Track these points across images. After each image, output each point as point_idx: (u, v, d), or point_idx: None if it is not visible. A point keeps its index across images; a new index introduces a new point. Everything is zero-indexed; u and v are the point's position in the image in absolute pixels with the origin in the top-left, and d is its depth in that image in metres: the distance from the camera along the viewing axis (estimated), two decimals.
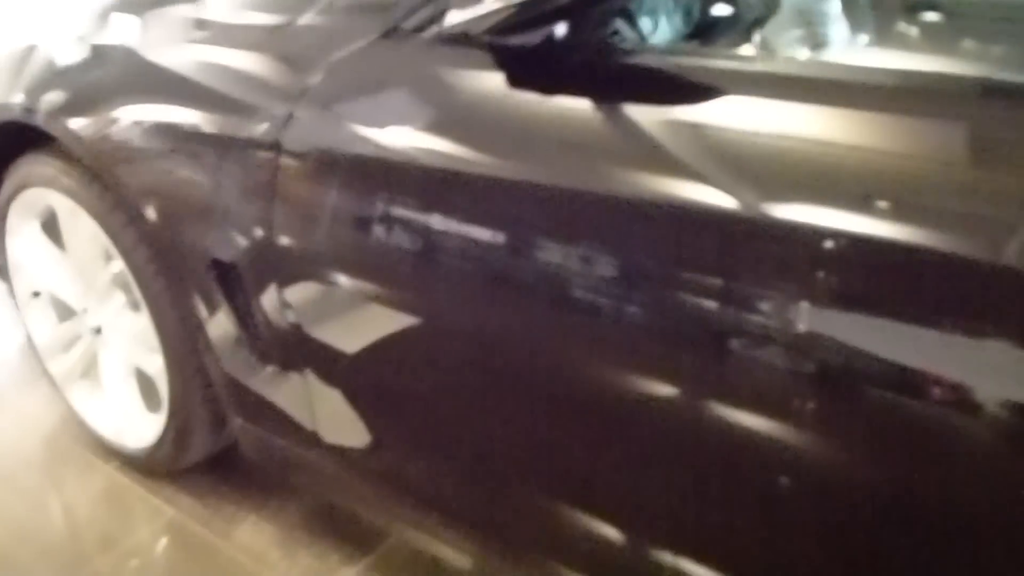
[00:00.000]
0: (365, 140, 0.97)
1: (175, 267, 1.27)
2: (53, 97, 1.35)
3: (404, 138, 0.95)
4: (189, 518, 1.56)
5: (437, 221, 0.93)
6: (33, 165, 1.48)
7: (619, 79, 0.89)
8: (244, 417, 1.35)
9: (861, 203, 0.67)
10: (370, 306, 1.04)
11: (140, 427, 1.57)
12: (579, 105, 0.86)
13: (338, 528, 1.52)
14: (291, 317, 1.13)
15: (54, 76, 1.39)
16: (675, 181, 0.77)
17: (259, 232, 1.09)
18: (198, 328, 1.31)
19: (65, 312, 1.68)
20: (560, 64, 0.92)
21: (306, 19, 1.10)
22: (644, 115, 0.83)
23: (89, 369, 1.69)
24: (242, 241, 1.13)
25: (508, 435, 0.99)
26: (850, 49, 1.15)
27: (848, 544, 0.74)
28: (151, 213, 1.25)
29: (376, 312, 1.04)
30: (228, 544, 1.51)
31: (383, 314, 1.03)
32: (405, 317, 1.01)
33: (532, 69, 0.90)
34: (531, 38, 0.88)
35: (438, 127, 0.93)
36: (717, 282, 0.74)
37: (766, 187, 0.72)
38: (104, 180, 1.34)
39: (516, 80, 0.88)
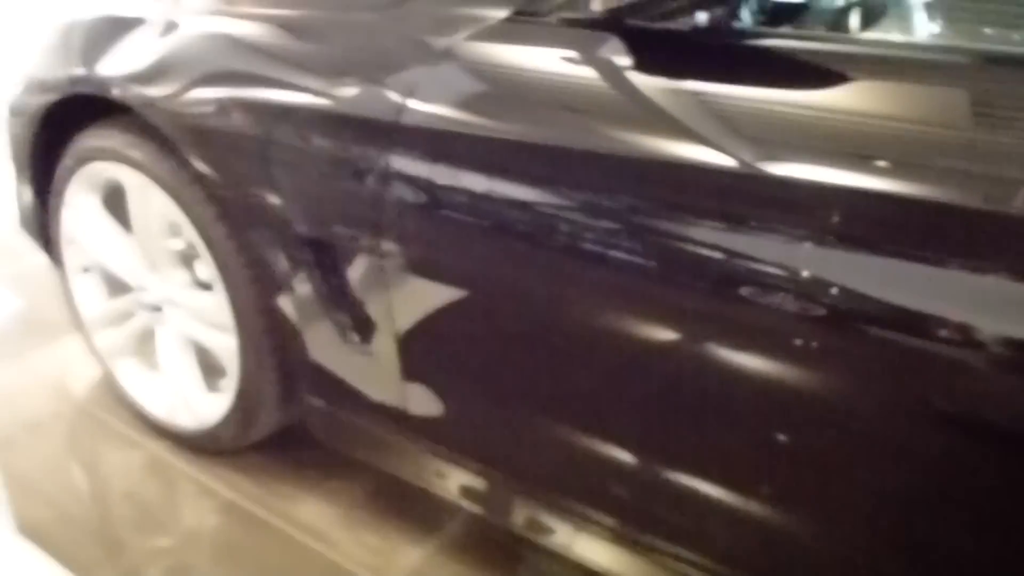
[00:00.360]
0: (488, 122, 0.99)
1: (259, 244, 1.27)
2: (131, 68, 1.34)
3: (529, 119, 0.97)
4: (246, 498, 1.56)
5: (560, 203, 0.94)
6: (99, 138, 1.45)
7: (751, 61, 0.91)
8: (320, 395, 1.35)
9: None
10: (479, 285, 1.06)
11: (199, 407, 1.56)
12: (716, 88, 0.89)
13: (403, 508, 1.53)
14: (395, 296, 1.13)
15: (132, 47, 1.37)
16: (824, 167, 0.80)
17: (368, 212, 1.10)
18: (277, 306, 1.31)
19: (118, 288, 1.66)
20: (692, 46, 0.94)
21: (416, 5, 1.10)
22: (782, 98, 0.85)
23: (141, 347, 1.67)
24: (347, 220, 1.13)
25: (610, 411, 1.01)
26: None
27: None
28: (238, 189, 1.24)
29: (483, 291, 1.05)
30: (288, 524, 1.50)
31: (491, 293, 1.05)
32: (513, 298, 1.03)
33: (667, 52, 0.92)
34: (681, 24, 0.90)
35: (565, 108, 0.95)
36: (864, 263, 0.77)
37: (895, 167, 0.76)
38: (182, 153, 1.33)
39: (654, 62, 0.90)
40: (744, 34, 0.95)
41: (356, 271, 1.17)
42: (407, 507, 1.54)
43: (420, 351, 1.17)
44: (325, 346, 1.28)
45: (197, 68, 1.27)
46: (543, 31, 1.00)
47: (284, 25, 1.21)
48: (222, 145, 1.24)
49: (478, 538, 1.47)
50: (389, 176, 1.06)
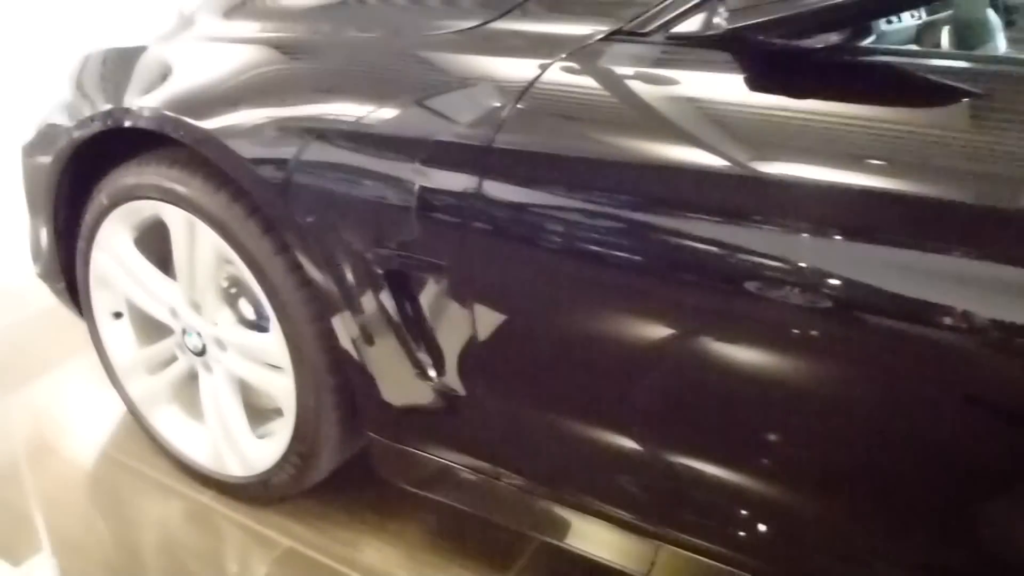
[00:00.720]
0: (592, 141, 0.94)
1: (326, 278, 1.21)
2: (181, 100, 1.28)
3: (632, 138, 0.93)
4: (306, 545, 1.48)
5: (665, 224, 0.90)
6: (140, 175, 1.38)
7: (873, 79, 0.88)
8: (390, 433, 1.28)
9: None
10: (575, 314, 1.01)
11: (248, 452, 1.49)
12: (834, 107, 0.85)
13: (467, 547, 1.47)
14: (480, 328, 1.08)
15: (179, 77, 1.31)
16: (960, 187, 0.77)
17: (457, 238, 1.05)
18: (342, 342, 1.25)
19: (154, 332, 1.58)
20: (807, 63, 0.91)
21: (505, 22, 1.06)
22: (904, 117, 0.82)
23: (180, 393, 1.60)
24: (433, 250, 1.08)
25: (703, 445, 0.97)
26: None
27: None
28: (306, 222, 1.18)
29: (580, 318, 1.00)
30: (353, 569, 1.43)
31: (587, 321, 1.00)
32: (611, 326, 0.98)
33: (788, 69, 0.89)
34: (814, 41, 0.86)
35: (671, 127, 0.91)
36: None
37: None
38: (239, 187, 1.27)
39: (775, 81, 0.87)
40: (873, 52, 0.92)
41: (438, 302, 1.11)
42: (471, 546, 1.47)
43: (509, 384, 1.12)
44: (399, 382, 1.22)
45: (261, 97, 1.21)
46: (649, 50, 0.97)
47: (357, 48, 1.16)
48: (290, 177, 1.18)
49: (573, 567, 1.41)
50: (485, 203, 1.01)
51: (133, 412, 1.66)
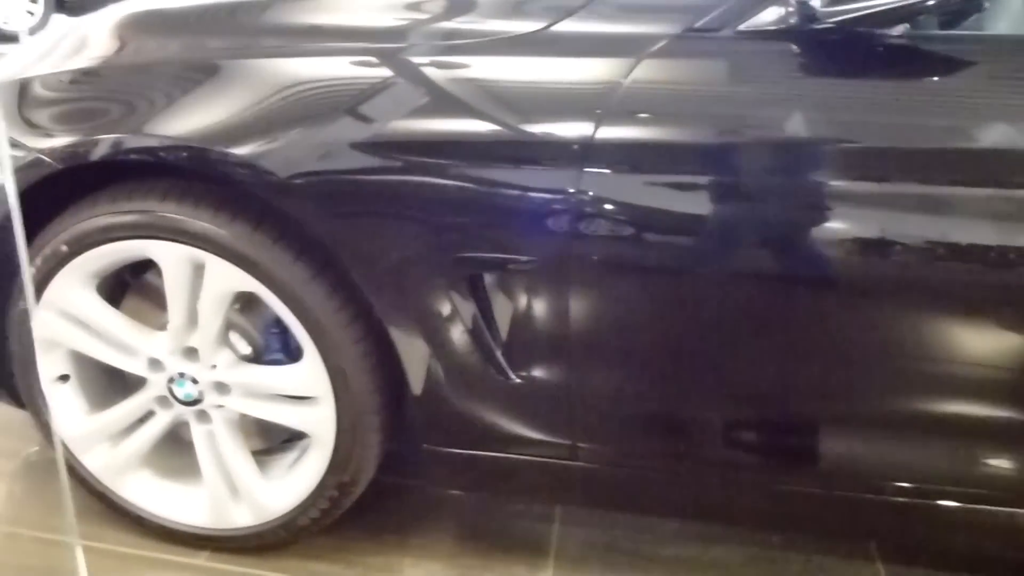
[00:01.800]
0: (689, 134, 1.06)
1: (388, 295, 1.18)
2: (207, 127, 1.16)
3: (727, 130, 1.05)
4: None
5: (769, 214, 1.05)
6: (116, 214, 1.23)
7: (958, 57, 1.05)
8: (450, 441, 1.28)
9: None
10: (673, 304, 1.12)
11: (264, 498, 1.38)
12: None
13: (501, 545, 1.50)
14: (574, 325, 1.14)
15: (201, 97, 1.20)
16: None
17: (551, 237, 1.09)
18: (398, 358, 1.23)
19: (108, 393, 1.41)
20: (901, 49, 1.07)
21: (570, 24, 1.12)
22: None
23: (153, 455, 1.43)
24: (525, 247, 1.11)
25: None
26: None
27: None
28: (367, 239, 1.15)
29: (678, 309, 1.12)
30: None
31: (684, 312, 1.12)
32: (707, 315, 1.11)
33: (883, 55, 1.06)
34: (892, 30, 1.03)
35: (770, 116, 1.05)
36: None
37: None
38: (258, 215, 1.20)
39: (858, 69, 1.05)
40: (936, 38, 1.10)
41: (525, 301, 1.15)
42: (501, 542, 1.51)
43: (597, 374, 1.18)
44: (471, 387, 1.23)
45: (315, 115, 1.15)
46: (726, 45, 1.08)
47: (416, 55, 1.15)
48: (350, 196, 1.14)
49: (589, 555, 1.50)
50: (583, 199, 1.07)
51: (90, 485, 1.45)
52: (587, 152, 1.07)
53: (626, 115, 1.07)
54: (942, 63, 1.03)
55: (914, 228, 1.01)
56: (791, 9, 1.04)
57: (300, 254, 1.21)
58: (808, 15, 1.05)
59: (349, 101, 1.14)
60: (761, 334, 1.11)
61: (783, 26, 1.05)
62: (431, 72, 1.13)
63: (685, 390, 1.18)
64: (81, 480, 1.45)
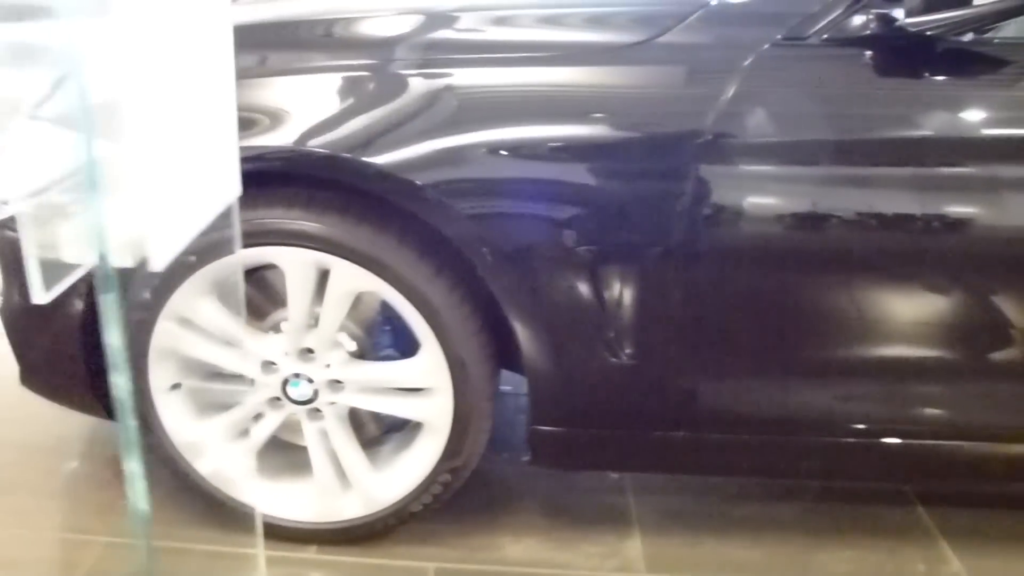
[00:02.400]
0: (798, 132, 1.23)
1: (519, 289, 1.30)
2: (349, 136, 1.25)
3: (831, 129, 1.22)
4: (452, 562, 1.51)
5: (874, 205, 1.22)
6: (246, 223, 1.29)
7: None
8: (564, 421, 1.40)
9: None
10: (772, 292, 1.29)
11: (375, 488, 1.47)
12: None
13: (586, 516, 1.63)
14: (687, 303, 1.28)
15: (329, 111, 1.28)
16: None
17: (664, 228, 1.24)
18: (519, 345, 1.34)
19: (212, 399, 1.47)
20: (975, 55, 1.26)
21: (673, 36, 1.26)
22: None
23: (263, 452, 1.49)
24: (644, 233, 1.25)
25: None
26: None
27: None
28: (501, 238, 1.27)
29: (784, 291, 1.29)
30: (509, 566, 1.50)
31: (798, 293, 1.29)
32: (820, 296, 1.29)
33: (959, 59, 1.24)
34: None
35: (867, 115, 1.22)
36: None
37: None
38: (382, 218, 1.29)
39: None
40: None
41: (645, 286, 1.29)
42: (588, 515, 1.63)
43: (712, 350, 1.33)
44: (587, 369, 1.34)
45: (446, 124, 1.25)
46: (816, 51, 1.24)
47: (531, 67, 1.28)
48: (484, 199, 1.25)
49: (668, 520, 1.64)
50: (702, 191, 1.22)
51: (202, 490, 1.50)
52: (698, 151, 1.22)
53: (731, 117, 1.22)
54: (997, 63, 1.24)
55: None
56: (871, 18, 1.22)
57: (422, 254, 1.31)
58: (889, 22, 1.22)
59: (481, 109, 1.26)
60: (853, 317, 1.29)
61: (866, 33, 1.23)
62: (553, 80, 1.26)
63: (781, 366, 1.34)
64: (194, 485, 1.50)
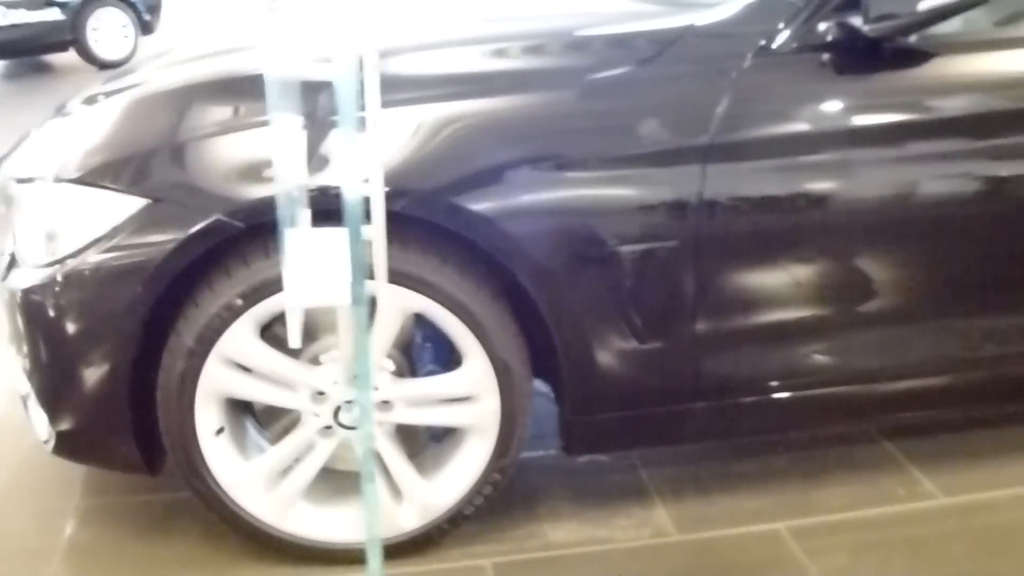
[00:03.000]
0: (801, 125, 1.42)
1: (556, 294, 1.41)
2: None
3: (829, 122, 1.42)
4: (503, 555, 1.60)
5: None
6: None
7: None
8: (595, 409, 1.53)
9: None
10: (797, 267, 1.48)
11: (429, 498, 1.54)
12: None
13: (611, 497, 1.77)
14: (702, 289, 1.44)
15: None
16: None
17: (685, 224, 1.39)
18: (555, 345, 1.45)
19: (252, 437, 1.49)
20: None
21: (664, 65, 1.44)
22: None
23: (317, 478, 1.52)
24: (663, 229, 1.40)
25: None
26: None
27: None
28: (539, 251, 1.38)
29: (796, 271, 1.48)
30: (556, 550, 1.61)
31: (802, 272, 1.49)
32: (824, 269, 1.49)
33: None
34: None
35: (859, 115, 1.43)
36: None
37: None
38: (425, 240, 1.38)
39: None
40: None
41: (664, 277, 1.43)
42: (610, 493, 1.77)
43: (721, 334, 1.50)
44: (615, 357, 1.47)
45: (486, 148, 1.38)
46: (794, 58, 1.41)
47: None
48: (523, 211, 1.37)
49: (682, 486, 1.81)
50: (713, 186, 1.38)
51: (253, 528, 1.51)
52: (707, 152, 1.37)
53: (735, 118, 1.38)
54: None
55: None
56: (833, 26, 1.41)
57: (464, 270, 1.40)
58: (851, 31, 1.42)
59: (520, 134, 1.37)
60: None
61: (832, 39, 1.42)
62: (575, 106, 1.39)
63: (788, 341, 1.55)
64: (244, 524, 1.51)
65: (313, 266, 0.85)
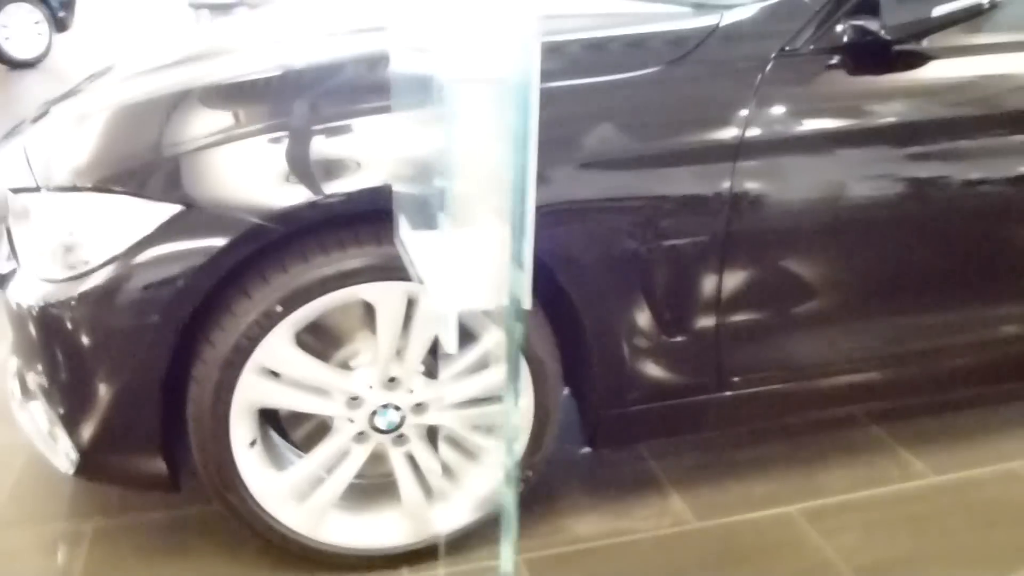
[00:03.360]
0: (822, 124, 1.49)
1: (590, 291, 1.44)
2: None
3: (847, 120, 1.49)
4: (532, 551, 1.61)
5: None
6: (339, 263, 1.33)
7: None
8: (624, 402, 1.56)
9: None
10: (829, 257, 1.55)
11: (467, 499, 1.54)
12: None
13: (626, 494, 1.81)
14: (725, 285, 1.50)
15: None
16: None
17: (719, 216, 1.44)
18: (585, 342, 1.48)
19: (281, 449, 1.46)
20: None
21: (685, 68, 1.46)
22: None
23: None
24: (694, 228, 1.44)
25: None
26: None
27: None
28: (573, 246, 1.40)
29: (828, 259, 1.55)
30: (581, 543, 1.64)
31: (835, 260, 1.56)
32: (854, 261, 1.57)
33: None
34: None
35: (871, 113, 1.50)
36: None
37: None
38: None
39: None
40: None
41: (694, 272, 1.47)
42: (625, 485, 1.81)
43: (744, 326, 1.55)
44: (644, 351, 1.51)
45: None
46: (813, 60, 1.48)
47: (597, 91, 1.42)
48: (558, 211, 1.38)
49: (693, 475, 1.86)
50: (741, 183, 1.43)
51: (287, 539, 1.48)
52: (738, 150, 1.42)
53: (761, 122, 1.43)
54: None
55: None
56: (846, 28, 1.48)
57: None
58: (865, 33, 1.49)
59: (553, 134, 1.37)
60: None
61: (846, 42, 1.49)
62: (593, 106, 1.42)
63: (808, 332, 1.62)
64: (278, 537, 1.48)
65: (462, 269, 0.85)
